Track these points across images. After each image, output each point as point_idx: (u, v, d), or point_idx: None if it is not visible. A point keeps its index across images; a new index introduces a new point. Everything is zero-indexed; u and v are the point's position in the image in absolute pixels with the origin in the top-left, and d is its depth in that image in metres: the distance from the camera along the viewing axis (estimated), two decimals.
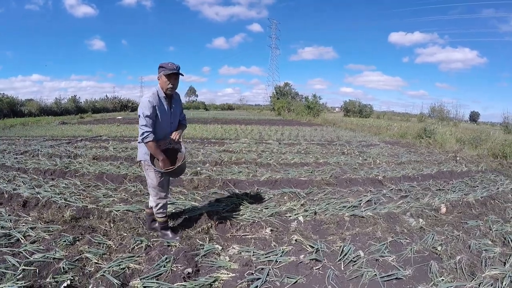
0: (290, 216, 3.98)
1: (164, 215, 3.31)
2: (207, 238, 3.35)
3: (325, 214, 4.07)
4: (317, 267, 2.79)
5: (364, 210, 4.17)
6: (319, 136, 13.46)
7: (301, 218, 3.88)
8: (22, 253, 2.85)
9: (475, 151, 9.98)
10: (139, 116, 2.92)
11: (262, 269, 2.73)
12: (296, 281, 2.59)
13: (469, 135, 12.26)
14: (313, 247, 3.10)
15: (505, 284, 2.55)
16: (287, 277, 2.63)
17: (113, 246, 3.12)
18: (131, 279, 2.57)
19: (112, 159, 7.14)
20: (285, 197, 4.80)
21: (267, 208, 4.20)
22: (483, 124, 41.91)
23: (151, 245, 3.14)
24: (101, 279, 2.52)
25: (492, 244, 3.31)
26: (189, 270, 2.64)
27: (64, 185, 5.01)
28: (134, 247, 3.08)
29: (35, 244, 3.03)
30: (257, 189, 5.12)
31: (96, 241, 3.15)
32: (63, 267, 2.62)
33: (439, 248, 3.17)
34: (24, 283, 2.38)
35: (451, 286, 2.54)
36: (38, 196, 4.37)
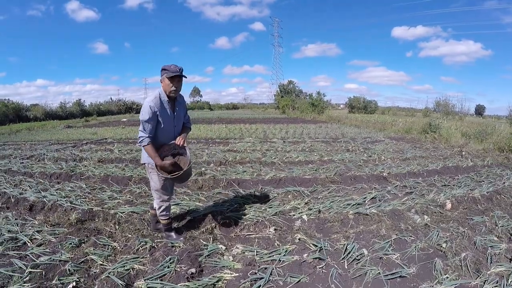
0: (294, 215, 3.98)
1: (167, 217, 3.33)
2: (211, 238, 3.37)
3: (329, 212, 4.06)
4: (320, 266, 2.79)
5: (369, 208, 4.15)
6: (324, 134, 13.42)
7: (305, 217, 3.87)
8: (28, 256, 2.90)
9: (480, 145, 9.87)
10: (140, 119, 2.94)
11: (266, 268, 2.74)
12: (299, 280, 2.60)
13: (474, 129, 12.11)
14: (317, 246, 3.10)
15: (511, 281, 2.52)
16: (290, 276, 2.64)
17: (118, 247, 3.15)
18: (135, 280, 2.60)
19: (117, 162, 7.20)
20: (289, 196, 4.80)
21: (271, 207, 4.20)
22: (489, 117, 41.35)
23: (155, 246, 3.17)
24: (106, 280, 2.55)
25: (498, 240, 3.28)
26: (193, 270, 2.66)
27: (69, 188, 5.06)
28: (139, 248, 3.11)
29: (42, 247, 3.08)
30: (261, 188, 5.12)
31: (101, 243, 3.19)
32: (68, 269, 2.65)
33: (444, 245, 3.15)
34: (31, 285, 2.42)
35: (456, 284, 2.52)
36: (44, 199, 4.43)
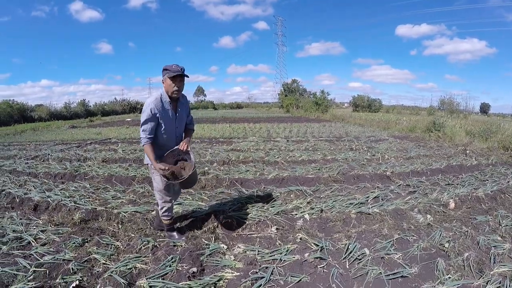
0: (296, 214, 3.98)
1: (169, 218, 3.34)
2: (213, 238, 3.38)
3: (332, 212, 4.06)
4: (321, 266, 2.79)
5: (371, 207, 4.14)
6: (328, 132, 13.40)
7: (307, 216, 3.88)
8: (33, 255, 2.93)
9: (485, 143, 9.78)
10: None
11: (267, 268, 2.75)
12: (300, 280, 2.60)
13: (479, 128, 12.01)
14: (318, 245, 3.10)
15: None
16: (291, 276, 2.64)
17: (121, 247, 3.18)
18: (137, 278, 2.62)
19: (121, 161, 7.24)
20: (291, 195, 4.80)
21: (273, 207, 4.21)
22: (493, 115, 40.99)
23: (157, 246, 3.18)
24: (108, 279, 2.57)
25: (501, 240, 3.25)
26: (194, 269, 2.67)
27: (73, 188, 5.11)
28: (141, 247, 3.13)
29: (46, 246, 3.11)
30: (264, 187, 5.13)
31: (105, 242, 3.21)
32: (72, 268, 2.68)
33: (446, 245, 3.13)
34: (35, 284, 2.45)
35: (458, 284, 2.50)
36: (49, 199, 4.47)
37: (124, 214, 4.01)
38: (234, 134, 12.67)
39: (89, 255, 2.94)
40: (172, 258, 2.83)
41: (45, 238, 3.31)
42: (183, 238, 3.34)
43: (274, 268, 2.73)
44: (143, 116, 2.89)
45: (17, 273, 2.61)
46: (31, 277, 2.56)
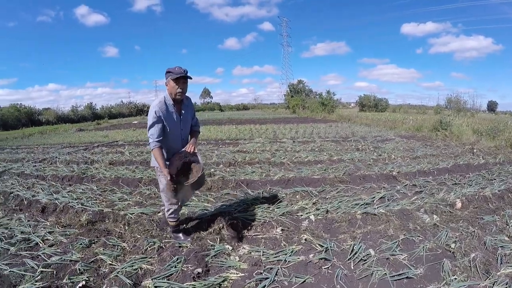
0: (301, 215, 3.98)
1: (175, 220, 3.37)
2: (218, 239, 3.39)
3: (337, 212, 4.04)
4: (326, 267, 2.78)
5: (377, 208, 4.12)
6: (334, 133, 13.35)
7: (312, 217, 3.87)
8: (40, 256, 2.99)
9: (492, 142, 9.66)
10: None
11: (271, 268, 2.75)
12: (305, 281, 2.60)
13: (486, 126, 11.88)
14: (323, 246, 3.09)
15: None
16: (296, 277, 2.64)
17: (127, 248, 3.21)
18: (143, 279, 2.65)
19: (127, 164, 7.30)
20: (297, 196, 4.79)
21: (279, 208, 4.21)
22: (501, 113, 40.35)
23: (163, 246, 3.21)
24: (114, 279, 2.60)
25: (509, 240, 3.20)
26: (199, 270, 2.69)
27: (81, 191, 5.17)
28: (147, 248, 3.16)
29: (53, 248, 3.17)
30: (269, 188, 5.13)
31: (111, 244, 3.25)
32: (79, 269, 2.72)
33: (452, 245, 3.10)
34: (42, 284, 2.50)
35: (464, 285, 2.48)
36: (56, 201, 4.54)
37: (131, 216, 4.04)
38: (240, 136, 12.70)
39: (96, 256, 2.98)
40: (177, 259, 2.85)
41: (53, 239, 3.36)
42: (189, 239, 3.35)
43: (278, 269, 2.73)
44: (149, 120, 2.92)
45: (25, 273, 2.67)
46: (39, 277, 2.61)
